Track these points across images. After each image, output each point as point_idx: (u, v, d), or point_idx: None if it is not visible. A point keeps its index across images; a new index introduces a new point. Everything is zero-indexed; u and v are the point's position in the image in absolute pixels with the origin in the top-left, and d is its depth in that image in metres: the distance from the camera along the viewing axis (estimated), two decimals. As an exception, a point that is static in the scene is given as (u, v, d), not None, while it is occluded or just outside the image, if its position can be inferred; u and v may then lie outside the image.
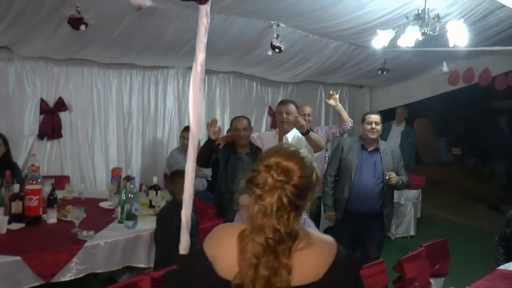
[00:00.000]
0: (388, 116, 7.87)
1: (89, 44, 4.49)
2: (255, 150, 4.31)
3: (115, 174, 4.47)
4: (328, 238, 1.51)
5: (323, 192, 4.44)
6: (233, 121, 4.35)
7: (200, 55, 2.49)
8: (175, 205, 3.28)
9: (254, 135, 4.46)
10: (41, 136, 4.99)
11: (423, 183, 7.15)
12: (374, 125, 4.19)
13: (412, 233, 6.87)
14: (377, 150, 4.24)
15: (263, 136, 4.45)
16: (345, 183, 4.27)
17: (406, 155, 6.85)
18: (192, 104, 2.46)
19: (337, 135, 4.97)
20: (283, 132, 4.23)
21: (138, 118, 5.77)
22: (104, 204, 4.07)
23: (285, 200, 1.40)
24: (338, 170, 4.35)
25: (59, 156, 5.18)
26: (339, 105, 4.81)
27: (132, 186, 3.52)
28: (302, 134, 3.89)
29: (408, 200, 6.83)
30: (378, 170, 4.17)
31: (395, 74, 7.41)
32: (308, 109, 4.92)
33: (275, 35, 4.86)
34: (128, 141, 5.73)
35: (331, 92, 4.83)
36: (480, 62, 7.10)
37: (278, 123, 4.28)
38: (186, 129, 5.47)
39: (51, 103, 5.04)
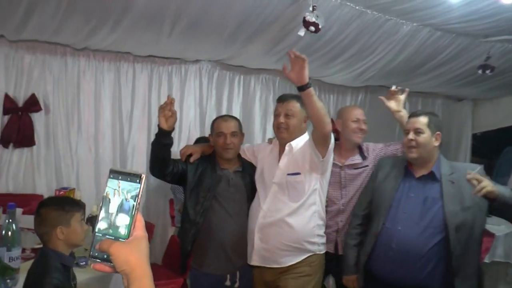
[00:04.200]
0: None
1: (71, 23, 3.32)
2: (247, 167, 2.90)
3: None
4: None
5: (344, 241, 2.87)
6: (215, 121, 2.94)
7: None
8: (42, 260, 1.96)
9: (244, 147, 3.04)
10: (4, 142, 3.87)
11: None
12: (411, 135, 2.54)
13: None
14: (431, 176, 2.51)
15: (257, 148, 2.96)
16: (371, 229, 2.64)
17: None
18: None
19: None
20: (282, 142, 2.74)
21: (141, 126, 4.46)
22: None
23: None
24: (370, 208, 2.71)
25: (30, 169, 4.02)
26: (403, 112, 3.06)
27: (8, 220, 2.13)
28: (300, 88, 2.40)
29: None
30: (431, 213, 2.44)
31: (508, 80, 5.38)
32: (362, 113, 3.26)
33: (310, 8, 3.33)
34: (128, 155, 4.44)
35: (392, 88, 3.13)
36: None
37: (274, 130, 2.81)
38: (199, 141, 4.10)
39: (20, 101, 3.91)
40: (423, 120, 2.56)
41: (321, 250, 2.72)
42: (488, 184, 2.19)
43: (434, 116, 2.64)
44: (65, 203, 2.07)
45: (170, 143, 2.64)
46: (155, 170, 2.75)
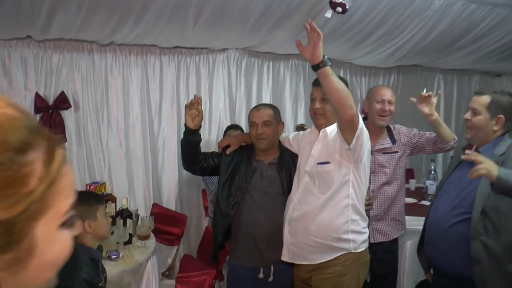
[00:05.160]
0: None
1: (94, 20, 3.34)
2: (286, 158, 2.73)
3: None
4: None
5: None
6: (250, 112, 2.82)
7: None
8: (71, 255, 1.93)
9: (290, 136, 2.85)
10: (37, 140, 3.92)
11: None
12: (467, 115, 2.39)
13: None
14: None
15: (300, 137, 2.81)
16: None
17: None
18: None
19: (428, 152, 3.14)
20: (319, 128, 2.56)
21: (171, 118, 4.45)
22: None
23: None
24: None
25: (63, 165, 4.07)
26: (435, 116, 2.90)
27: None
28: (314, 67, 2.18)
29: None
30: (464, 193, 2.29)
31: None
32: (389, 94, 3.10)
33: (337, -12, 3.23)
34: (159, 148, 4.44)
35: (424, 92, 2.94)
36: None
37: (311, 116, 2.63)
38: (233, 127, 4.07)
39: (50, 99, 3.96)
40: (483, 100, 2.33)
41: (358, 248, 2.43)
42: (483, 167, 2.02)
43: (503, 96, 2.35)
44: (89, 198, 2.09)
45: (197, 141, 2.61)
46: (185, 165, 2.75)
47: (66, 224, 0.59)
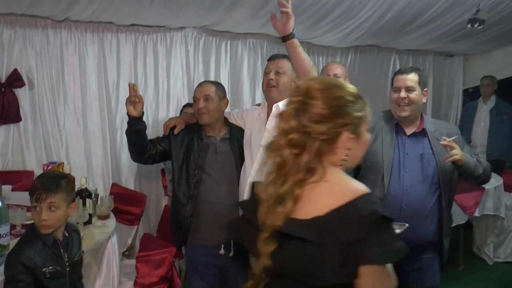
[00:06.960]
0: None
1: None
2: (235, 133, 2.78)
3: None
4: (352, 187, 1.33)
5: None
6: (195, 88, 2.82)
7: None
8: (24, 235, 1.94)
9: (234, 112, 2.93)
10: (-11, 120, 3.82)
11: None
12: (403, 93, 2.50)
13: (520, 256, 4.82)
14: (422, 133, 2.54)
15: (245, 112, 2.87)
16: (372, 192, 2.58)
17: (502, 140, 5.31)
18: None
19: None
20: (271, 102, 2.62)
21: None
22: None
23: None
24: (359, 170, 2.67)
25: (18, 145, 3.99)
26: None
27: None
28: (284, 38, 2.33)
29: (512, 210, 4.80)
30: (430, 167, 2.46)
31: (498, 33, 5.31)
32: (338, 69, 3.20)
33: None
34: (117, 126, 4.39)
35: None
36: None
37: (263, 89, 2.68)
38: (189, 105, 4.05)
39: (2, 77, 3.83)
40: (414, 77, 2.52)
41: None
42: (457, 153, 2.31)
43: (422, 72, 2.62)
44: (34, 185, 1.92)
45: (143, 128, 2.58)
46: (134, 157, 2.71)
47: (367, 130, 1.35)
